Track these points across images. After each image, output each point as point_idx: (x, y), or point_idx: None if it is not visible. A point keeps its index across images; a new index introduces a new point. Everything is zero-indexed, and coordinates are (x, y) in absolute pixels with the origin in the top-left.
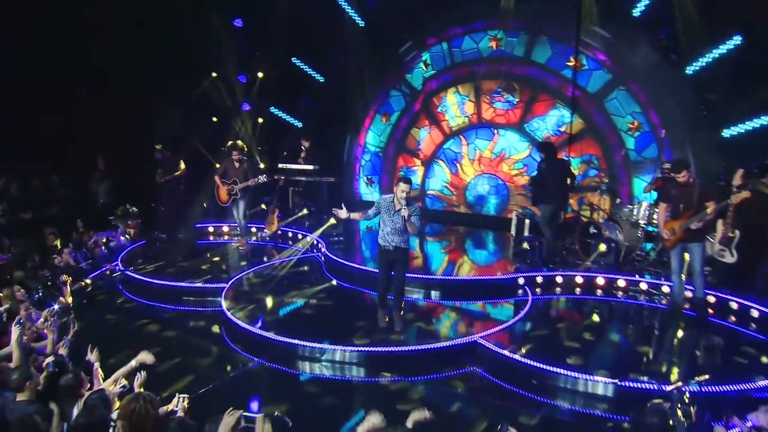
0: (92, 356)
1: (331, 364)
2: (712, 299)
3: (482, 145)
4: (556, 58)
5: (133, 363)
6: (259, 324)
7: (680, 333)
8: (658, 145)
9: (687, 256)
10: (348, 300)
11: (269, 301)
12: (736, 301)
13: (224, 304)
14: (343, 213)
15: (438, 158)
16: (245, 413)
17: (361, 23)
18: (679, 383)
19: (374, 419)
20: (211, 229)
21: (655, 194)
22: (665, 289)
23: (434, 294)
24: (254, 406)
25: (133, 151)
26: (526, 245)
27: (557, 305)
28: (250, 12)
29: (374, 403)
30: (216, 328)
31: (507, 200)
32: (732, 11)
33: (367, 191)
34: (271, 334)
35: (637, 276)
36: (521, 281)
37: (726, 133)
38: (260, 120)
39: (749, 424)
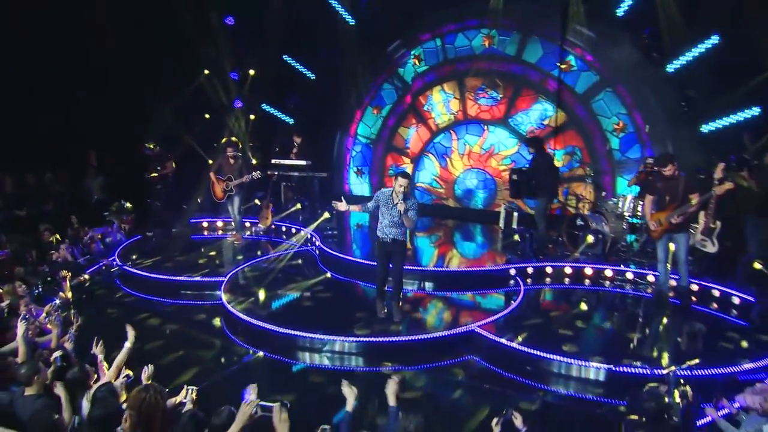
0: (97, 349)
1: (332, 355)
2: (695, 287)
3: (472, 141)
4: (547, 58)
5: (127, 344)
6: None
7: (666, 320)
8: (641, 146)
9: (672, 246)
10: (343, 292)
11: (263, 294)
12: (718, 289)
13: (224, 297)
14: (342, 205)
15: (428, 152)
16: (262, 402)
17: (352, 21)
18: (673, 367)
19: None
20: (205, 224)
21: (638, 188)
22: (650, 278)
23: (428, 285)
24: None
25: (133, 150)
26: (516, 237)
27: (546, 295)
28: (245, 10)
29: (376, 392)
30: (217, 321)
31: (495, 194)
32: (713, 12)
33: (357, 182)
34: (272, 326)
35: (622, 266)
36: (512, 272)
37: (705, 128)
38: (252, 117)
39: (737, 405)
